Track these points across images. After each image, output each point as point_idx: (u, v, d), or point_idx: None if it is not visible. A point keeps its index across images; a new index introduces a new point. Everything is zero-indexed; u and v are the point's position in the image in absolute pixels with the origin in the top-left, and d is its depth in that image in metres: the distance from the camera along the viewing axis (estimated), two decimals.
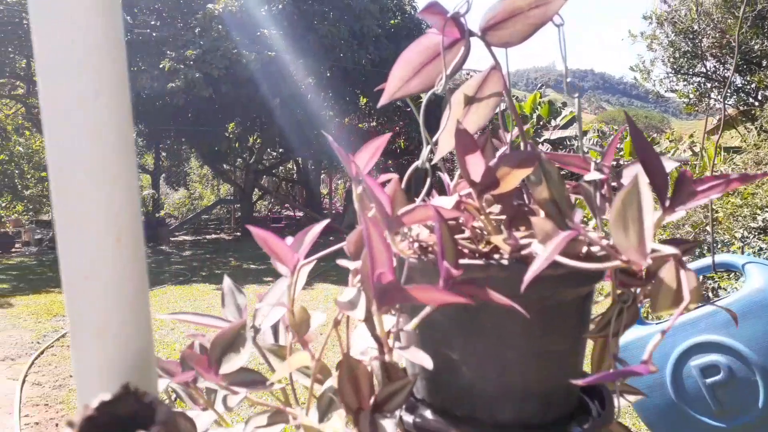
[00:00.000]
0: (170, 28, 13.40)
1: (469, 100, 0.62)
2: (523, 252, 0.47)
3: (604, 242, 0.43)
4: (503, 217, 0.68)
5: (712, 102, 13.75)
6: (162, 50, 13.22)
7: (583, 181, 0.57)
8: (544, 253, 0.41)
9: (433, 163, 0.64)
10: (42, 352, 5.78)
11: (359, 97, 19.30)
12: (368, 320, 0.46)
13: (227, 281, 0.64)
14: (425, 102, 0.55)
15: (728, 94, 13.21)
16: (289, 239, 0.57)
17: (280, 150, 20.69)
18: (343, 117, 20.11)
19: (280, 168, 25.49)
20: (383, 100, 0.57)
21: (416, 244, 0.52)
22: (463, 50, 0.56)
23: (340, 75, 16.47)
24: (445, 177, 0.72)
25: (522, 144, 0.63)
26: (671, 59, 13.13)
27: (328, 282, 9.54)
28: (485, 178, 0.55)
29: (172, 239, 17.60)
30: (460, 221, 0.64)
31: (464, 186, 0.64)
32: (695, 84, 13.48)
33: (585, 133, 31.34)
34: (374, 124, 20.79)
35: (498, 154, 0.64)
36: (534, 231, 0.47)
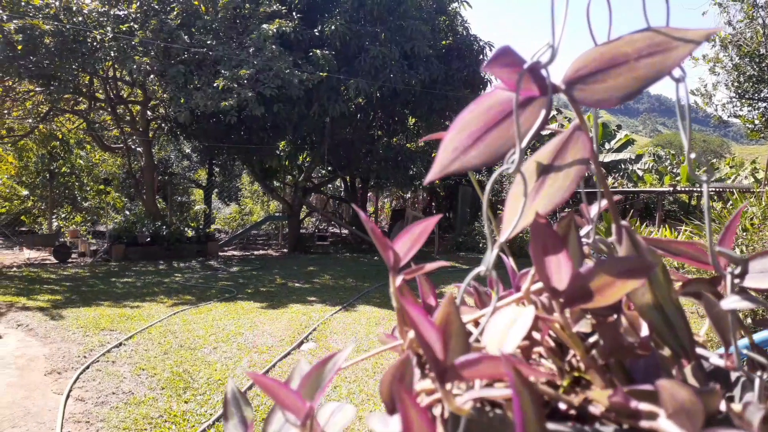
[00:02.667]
0: (225, 47, 13.69)
1: (545, 169, 0.48)
2: (642, 424, 0.32)
3: None
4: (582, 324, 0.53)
5: None
6: (217, 69, 13.52)
7: (708, 294, 0.41)
8: None
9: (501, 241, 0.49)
10: (87, 367, 5.83)
11: (408, 117, 19.27)
12: None
13: (231, 386, 0.50)
14: (491, 185, 0.40)
15: None
16: (303, 368, 0.42)
17: (329, 168, 20.84)
18: (391, 137, 20.11)
19: (328, 186, 25.68)
20: (431, 176, 0.43)
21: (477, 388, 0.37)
22: (543, 112, 0.41)
23: (390, 95, 16.49)
24: (509, 262, 0.57)
25: (615, 231, 0.48)
26: (735, 83, 12.54)
27: (372, 305, 9.40)
28: (573, 288, 0.40)
29: (221, 254, 17.83)
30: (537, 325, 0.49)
31: (536, 280, 0.49)
32: (761, 109, 12.83)
33: (640, 156, 30.42)
34: (422, 144, 20.68)
35: (584, 244, 0.49)
36: (660, 394, 0.31)
